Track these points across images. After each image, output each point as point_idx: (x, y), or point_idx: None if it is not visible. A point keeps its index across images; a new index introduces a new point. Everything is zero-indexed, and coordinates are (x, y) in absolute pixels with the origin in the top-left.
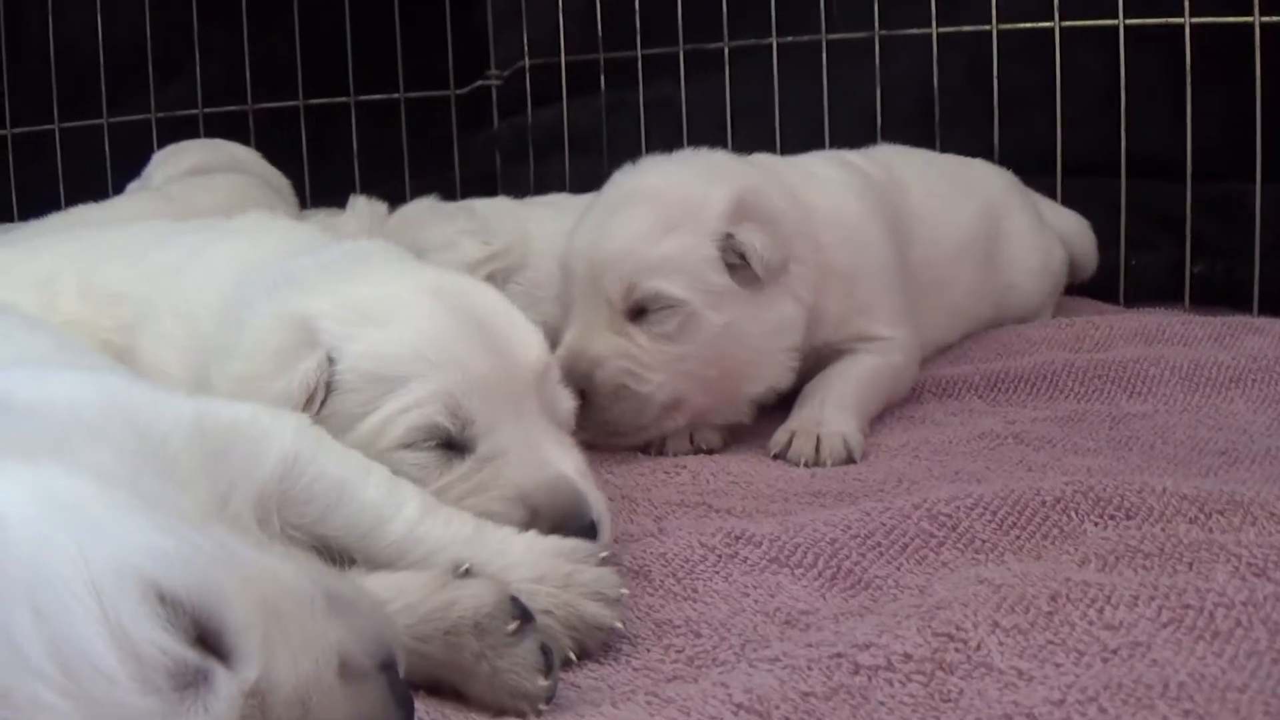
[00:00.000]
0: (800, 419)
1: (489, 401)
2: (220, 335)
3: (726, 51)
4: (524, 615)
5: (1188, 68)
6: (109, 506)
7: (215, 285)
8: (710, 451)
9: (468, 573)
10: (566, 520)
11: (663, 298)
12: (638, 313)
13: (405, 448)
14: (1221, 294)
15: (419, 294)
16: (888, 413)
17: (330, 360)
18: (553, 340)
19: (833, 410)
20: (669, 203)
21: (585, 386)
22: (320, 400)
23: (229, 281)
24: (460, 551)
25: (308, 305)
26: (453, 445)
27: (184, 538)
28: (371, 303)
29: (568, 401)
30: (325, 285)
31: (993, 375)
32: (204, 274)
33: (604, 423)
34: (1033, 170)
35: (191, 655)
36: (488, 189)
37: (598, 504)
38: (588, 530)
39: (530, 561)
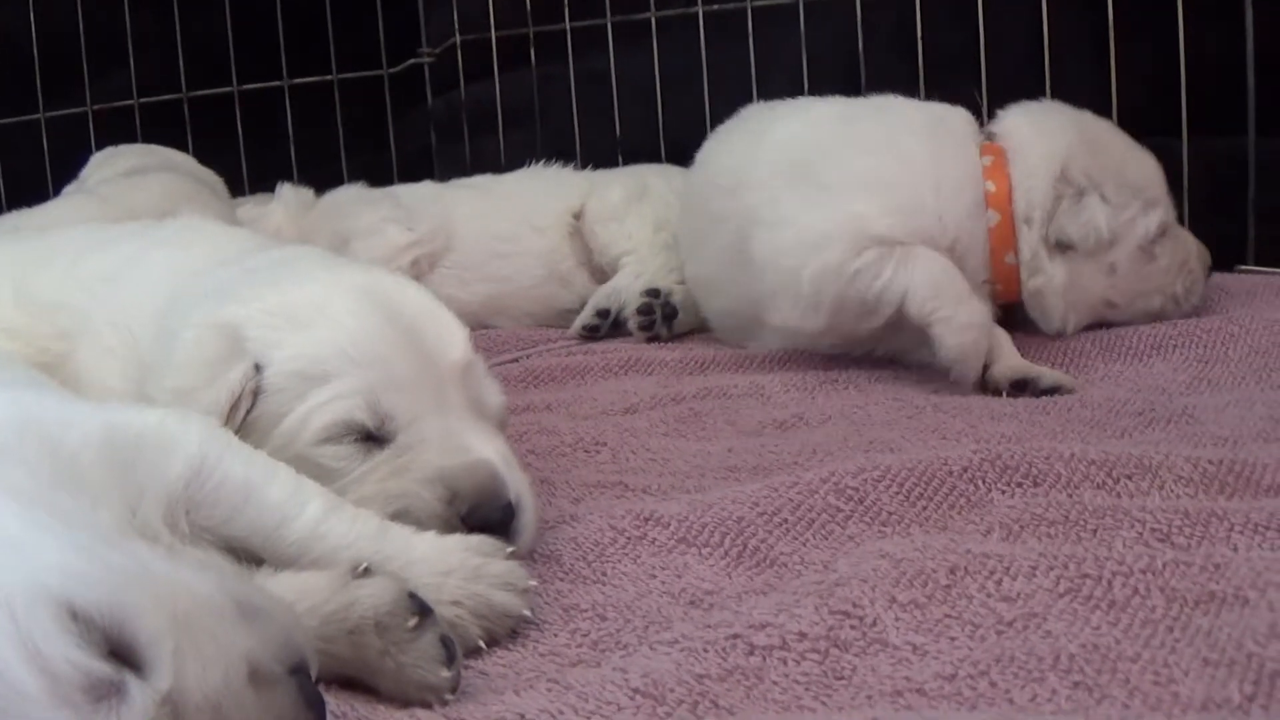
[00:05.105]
0: None
1: (410, 397)
2: (156, 349)
3: (654, 21)
4: (423, 610)
5: (1110, 24)
6: (23, 526)
7: (150, 297)
8: None
9: (367, 571)
10: (485, 500)
11: None
12: None
13: (325, 442)
14: None
15: (343, 294)
16: (815, 384)
17: (258, 367)
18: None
19: None
20: None
21: None
22: (247, 408)
23: (163, 293)
24: (364, 549)
25: (235, 314)
26: (372, 439)
27: (96, 554)
28: (296, 306)
29: (496, 396)
30: (252, 292)
31: None
32: (139, 285)
33: None
34: None
35: (104, 669)
36: (424, 166)
37: (518, 485)
38: (506, 510)
39: (436, 557)
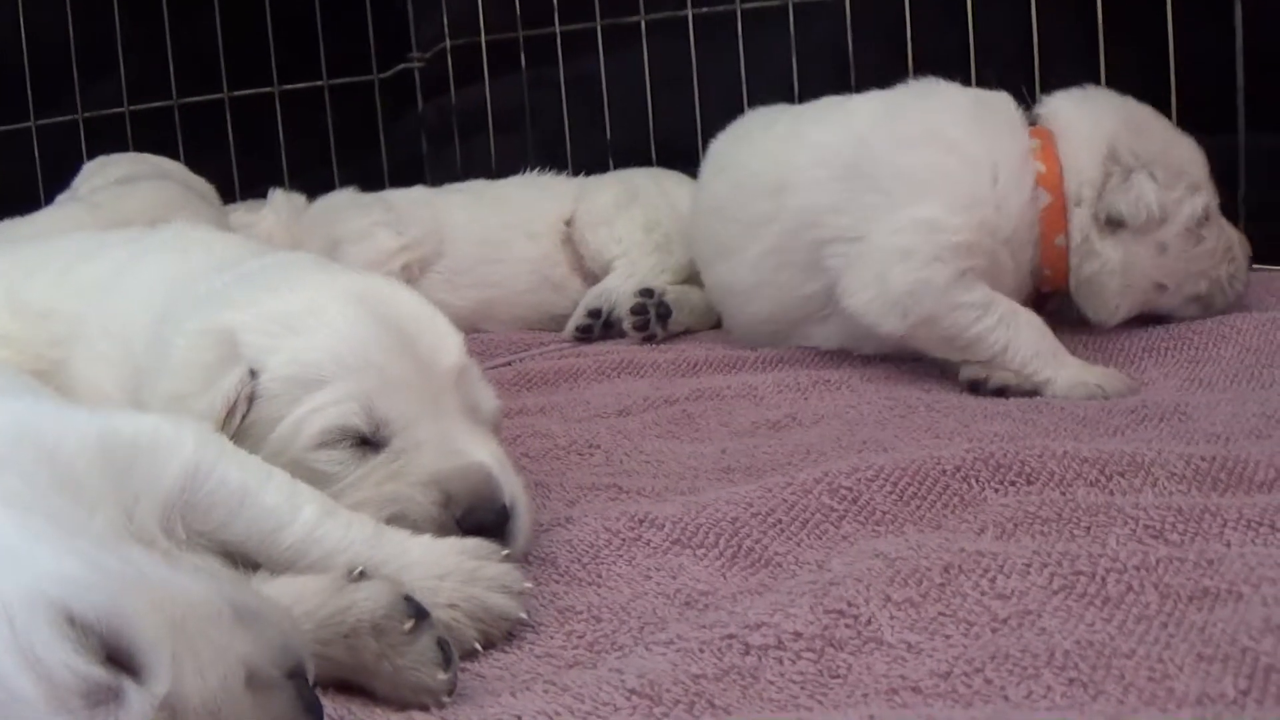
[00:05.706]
0: None
1: (405, 403)
2: (150, 355)
3: (643, 24)
4: (419, 613)
5: (1099, 23)
6: (20, 534)
7: (144, 303)
8: None
9: (362, 575)
10: (480, 503)
11: None
12: None
13: (321, 447)
14: None
15: (337, 299)
16: (808, 384)
17: (253, 373)
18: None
19: None
20: None
21: None
22: (242, 414)
23: (157, 300)
24: (359, 553)
25: (230, 320)
26: (368, 443)
27: (93, 560)
28: (291, 312)
29: (490, 400)
30: (246, 298)
31: None
32: (133, 291)
33: None
34: None
35: (102, 674)
36: (415, 171)
37: (512, 489)
38: (501, 513)
39: (431, 560)
